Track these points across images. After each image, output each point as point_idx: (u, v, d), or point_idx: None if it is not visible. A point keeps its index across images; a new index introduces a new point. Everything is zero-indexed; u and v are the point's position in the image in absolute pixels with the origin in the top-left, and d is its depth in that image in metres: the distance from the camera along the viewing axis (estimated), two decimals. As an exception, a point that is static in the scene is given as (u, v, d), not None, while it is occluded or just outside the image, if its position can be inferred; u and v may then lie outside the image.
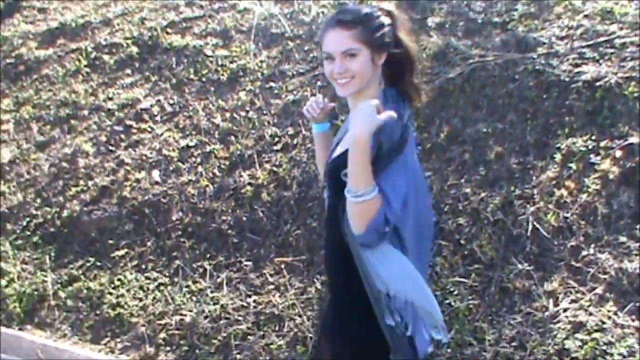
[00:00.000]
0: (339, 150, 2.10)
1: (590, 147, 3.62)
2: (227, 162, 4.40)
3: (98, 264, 4.29)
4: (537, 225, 3.44)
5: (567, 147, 3.67)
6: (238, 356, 3.51)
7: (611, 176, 3.50)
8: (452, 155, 3.87)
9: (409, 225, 2.06)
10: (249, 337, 3.55)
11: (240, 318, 3.65)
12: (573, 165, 3.59)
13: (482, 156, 3.80)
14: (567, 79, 3.91)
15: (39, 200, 4.89)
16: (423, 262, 2.29)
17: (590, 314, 3.13)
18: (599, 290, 3.20)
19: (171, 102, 5.06)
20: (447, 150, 3.91)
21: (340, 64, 2.02)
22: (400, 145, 1.99)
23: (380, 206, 1.92)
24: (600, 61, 3.96)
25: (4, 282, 4.43)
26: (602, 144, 3.61)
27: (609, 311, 3.12)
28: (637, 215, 3.35)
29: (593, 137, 3.66)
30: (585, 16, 4.27)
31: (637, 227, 3.31)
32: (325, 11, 5.06)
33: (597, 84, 3.82)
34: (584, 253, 3.31)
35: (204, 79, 5.05)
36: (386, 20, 2.06)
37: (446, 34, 4.44)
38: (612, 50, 3.99)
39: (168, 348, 3.70)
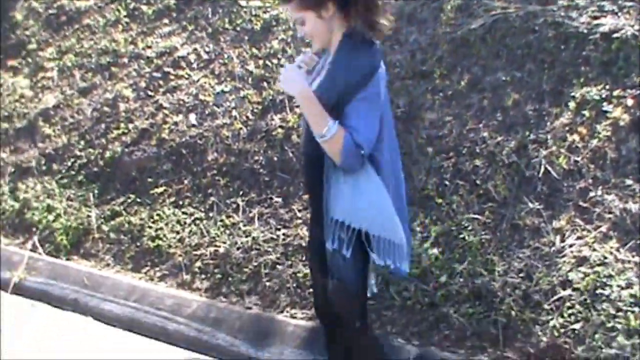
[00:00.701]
0: (314, 86, 2.39)
1: (603, 95, 3.84)
2: (260, 107, 4.70)
3: (138, 200, 4.65)
4: (549, 168, 3.70)
5: (582, 95, 3.89)
6: (267, 283, 3.85)
7: (622, 123, 3.73)
8: (472, 102, 4.12)
9: (384, 147, 2.38)
10: (277, 266, 3.90)
11: (270, 249, 3.99)
12: (586, 113, 3.82)
13: (500, 103, 4.05)
14: (585, 31, 4.10)
15: (82, 142, 5.26)
16: (399, 180, 2.60)
17: (594, 249, 3.40)
18: (604, 229, 3.46)
19: (207, 50, 5.35)
20: (467, 97, 4.15)
21: (299, 30, 2.38)
22: (362, 82, 2.28)
23: (344, 138, 2.23)
24: (619, 14, 4.14)
25: (51, 217, 4.82)
26: (615, 93, 3.83)
27: (611, 247, 3.39)
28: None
29: (607, 87, 3.87)
30: (608, -31, 4.44)
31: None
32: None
33: (614, 35, 4.01)
34: (592, 194, 3.57)
35: (238, 28, 5.32)
36: None
37: (471, -14, 4.64)
38: (631, 4, 4.17)
39: (203, 276, 4.06)
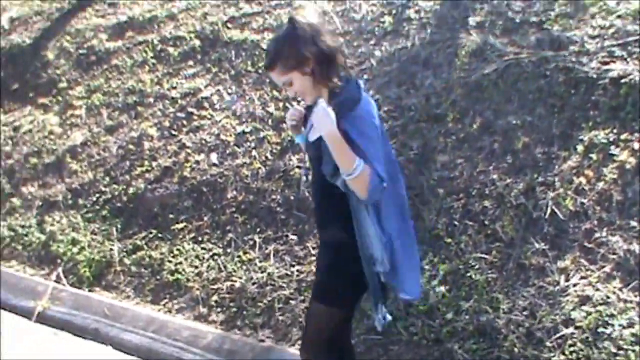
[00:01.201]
0: (316, 135, 2.64)
1: (611, 139, 4.07)
2: (279, 147, 4.99)
3: (159, 235, 4.96)
4: (556, 209, 3.92)
5: (590, 139, 4.12)
6: (280, 317, 4.10)
7: (628, 166, 3.94)
8: (483, 145, 4.37)
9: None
10: (290, 301, 4.14)
11: (284, 285, 4.24)
12: (594, 156, 4.05)
13: (510, 146, 4.29)
14: (594, 76, 4.35)
15: (107, 179, 5.60)
16: (400, 196, 2.84)
17: (597, 289, 3.60)
18: (607, 269, 3.66)
19: (229, 91, 5.69)
20: (478, 139, 4.41)
21: (289, 91, 2.70)
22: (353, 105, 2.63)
23: (369, 174, 2.51)
24: (628, 59, 4.39)
25: (76, 250, 5.14)
26: (623, 136, 4.06)
27: (614, 287, 3.58)
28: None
29: (614, 131, 4.10)
30: (618, 16, 4.69)
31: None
32: (375, 9, 5.61)
33: (623, 80, 4.25)
34: (597, 235, 3.78)
35: (260, 71, 5.66)
36: (298, 39, 2.61)
37: (485, 32, 4.92)
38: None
39: (219, 309, 4.32)
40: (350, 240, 2.71)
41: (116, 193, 5.42)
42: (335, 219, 2.75)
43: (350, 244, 2.71)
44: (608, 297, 3.55)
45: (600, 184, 3.94)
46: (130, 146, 5.73)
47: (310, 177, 2.94)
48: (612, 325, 3.44)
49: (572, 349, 3.42)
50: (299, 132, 2.98)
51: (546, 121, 4.32)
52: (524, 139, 4.28)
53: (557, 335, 3.48)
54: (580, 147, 4.12)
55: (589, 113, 4.25)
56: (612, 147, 4.05)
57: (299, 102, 3.14)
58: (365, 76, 5.10)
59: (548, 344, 3.47)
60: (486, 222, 4.03)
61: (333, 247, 2.79)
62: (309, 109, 2.80)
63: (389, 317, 2.91)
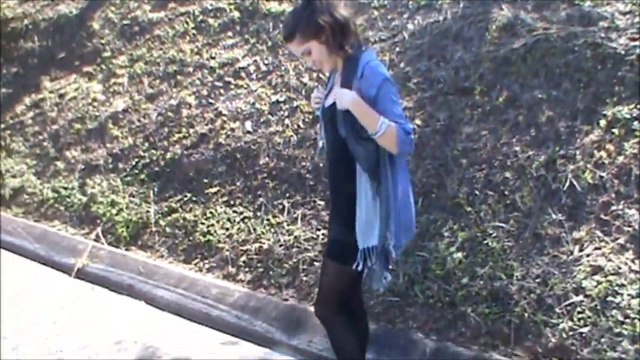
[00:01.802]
0: (330, 101, 2.96)
1: (634, 115, 4.22)
2: (311, 116, 5.25)
3: (194, 198, 5.28)
4: (574, 182, 4.10)
5: (613, 114, 4.27)
6: (304, 278, 4.38)
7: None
8: (508, 117, 4.55)
9: None
10: (315, 263, 4.42)
11: (309, 247, 4.52)
12: (615, 131, 4.20)
13: (535, 119, 4.46)
14: (622, 52, 4.48)
15: (146, 144, 5.94)
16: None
17: (610, 259, 3.78)
18: (621, 241, 3.84)
19: (266, 62, 5.96)
20: (504, 112, 4.59)
21: (308, 60, 2.96)
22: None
23: (396, 129, 2.76)
24: (657, 36, 4.51)
25: (114, 211, 5.50)
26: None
27: (626, 258, 3.76)
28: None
29: (638, 106, 4.25)
30: (651, -7, 4.81)
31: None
32: (409, -17, 5.80)
33: (650, 57, 4.39)
34: (613, 208, 3.95)
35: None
36: (315, 9, 2.86)
37: (517, 7, 5.08)
38: (670, 26, 4.54)
39: (247, 269, 4.62)
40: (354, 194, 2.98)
41: (154, 158, 5.76)
42: (346, 181, 3.00)
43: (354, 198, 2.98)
44: (619, 268, 3.73)
45: (620, 158, 4.10)
46: (169, 113, 6.05)
47: (324, 144, 3.20)
48: (621, 294, 3.63)
49: (580, 315, 3.62)
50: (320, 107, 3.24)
51: (571, 96, 4.47)
52: (548, 113, 4.45)
53: (567, 302, 3.68)
54: (603, 122, 4.27)
55: (614, 88, 4.39)
56: (635, 122, 4.19)
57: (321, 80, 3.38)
58: (398, 49, 5.31)
59: (557, 310, 3.68)
60: (506, 193, 4.23)
61: (345, 208, 3.04)
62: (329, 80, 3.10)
63: (388, 277, 3.17)
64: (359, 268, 2.98)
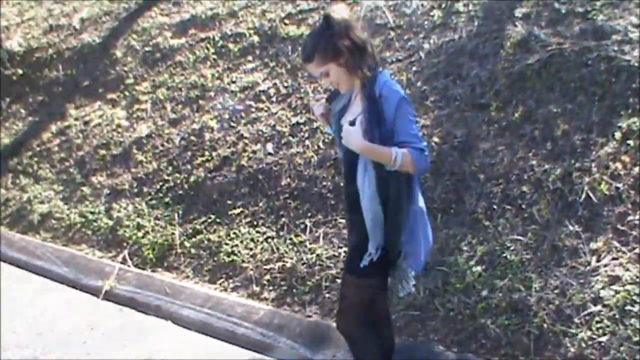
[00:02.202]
0: (346, 119, 3.15)
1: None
2: (330, 137, 5.42)
3: (217, 220, 5.46)
4: (591, 194, 4.22)
5: (628, 126, 4.40)
6: (327, 295, 4.53)
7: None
8: (524, 132, 4.69)
9: None
10: (337, 280, 4.56)
11: (331, 265, 4.67)
12: (631, 142, 4.32)
13: (551, 133, 4.60)
14: (636, 64, 4.61)
15: (170, 168, 6.15)
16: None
17: (627, 269, 3.89)
18: (638, 250, 3.95)
19: (285, 85, 6.15)
20: (520, 127, 4.73)
21: (325, 81, 3.12)
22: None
23: (410, 155, 2.92)
24: (670, 48, 4.64)
25: (140, 234, 5.70)
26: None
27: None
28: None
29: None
30: (664, 6, 4.94)
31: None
32: (425, 3, 5.96)
33: (663, 69, 4.52)
34: (630, 218, 4.06)
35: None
36: (333, 33, 3.01)
37: (530, 23, 5.23)
38: (682, 38, 4.66)
39: (271, 288, 4.78)
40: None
41: (178, 181, 5.96)
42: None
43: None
44: (637, 277, 3.83)
45: (636, 169, 4.22)
46: (192, 137, 6.26)
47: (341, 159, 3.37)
48: (639, 303, 3.73)
49: (599, 325, 3.73)
50: (328, 123, 3.41)
51: (586, 109, 4.60)
52: (563, 127, 4.58)
53: (586, 312, 3.79)
54: (617, 134, 4.39)
55: (628, 100, 4.51)
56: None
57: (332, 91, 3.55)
58: (414, 68, 5.47)
59: (576, 320, 3.79)
60: (523, 206, 4.36)
61: (360, 220, 3.19)
62: (332, 95, 3.28)
63: (411, 289, 3.31)
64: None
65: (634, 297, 3.76)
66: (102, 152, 6.87)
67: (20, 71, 8.97)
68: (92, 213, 6.26)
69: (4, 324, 4.91)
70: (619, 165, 4.28)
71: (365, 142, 2.98)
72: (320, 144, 5.44)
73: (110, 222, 6.00)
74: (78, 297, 5.36)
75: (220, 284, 4.99)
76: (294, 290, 4.67)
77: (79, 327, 4.85)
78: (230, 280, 4.98)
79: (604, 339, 3.67)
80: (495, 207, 4.43)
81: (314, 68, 3.12)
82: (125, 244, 5.70)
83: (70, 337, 4.74)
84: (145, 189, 6.15)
